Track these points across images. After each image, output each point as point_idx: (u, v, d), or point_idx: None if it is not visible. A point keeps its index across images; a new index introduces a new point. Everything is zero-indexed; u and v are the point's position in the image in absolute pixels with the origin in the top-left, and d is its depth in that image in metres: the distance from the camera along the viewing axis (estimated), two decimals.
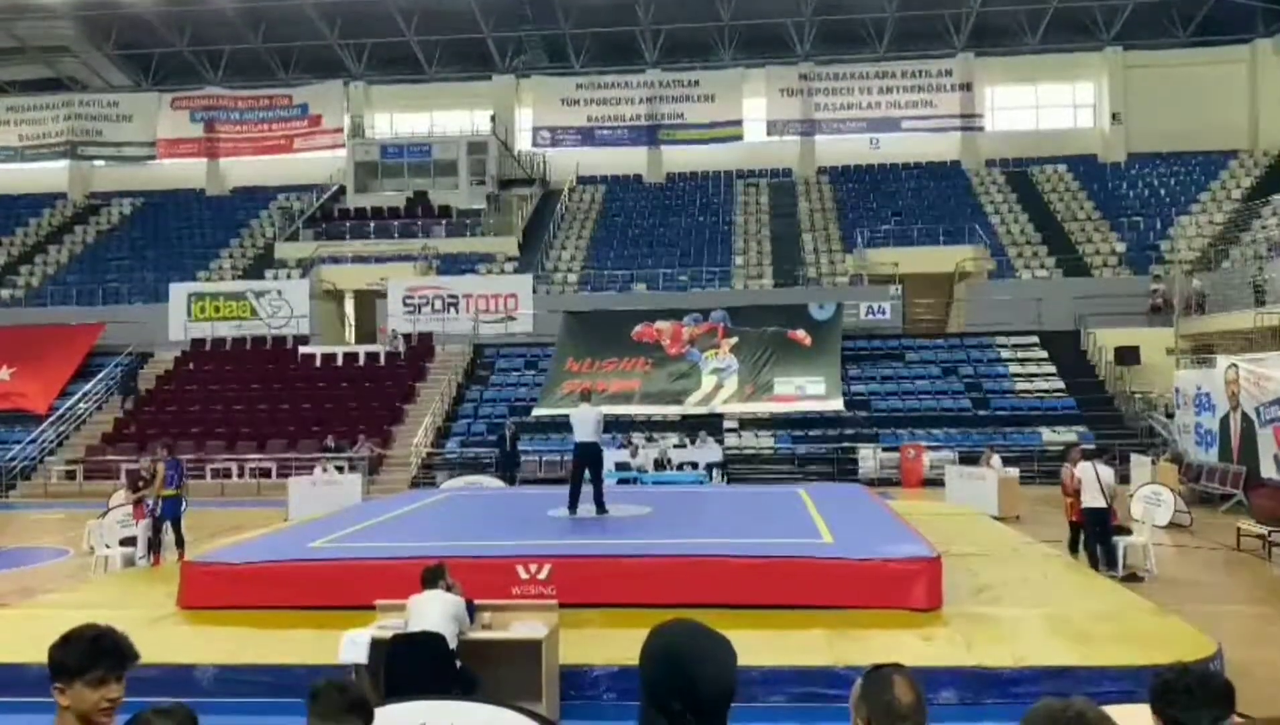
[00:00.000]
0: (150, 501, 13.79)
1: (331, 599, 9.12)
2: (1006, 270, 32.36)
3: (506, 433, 23.19)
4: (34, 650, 3.59)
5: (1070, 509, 13.63)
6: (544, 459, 25.18)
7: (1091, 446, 23.20)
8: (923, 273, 32.27)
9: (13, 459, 26.92)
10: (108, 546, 13.57)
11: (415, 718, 4.67)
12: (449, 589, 7.14)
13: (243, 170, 42.95)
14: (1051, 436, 24.99)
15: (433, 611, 6.89)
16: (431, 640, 6.76)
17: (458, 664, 6.81)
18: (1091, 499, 12.59)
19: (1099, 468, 12.81)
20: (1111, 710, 4.58)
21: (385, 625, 7.18)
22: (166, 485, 13.65)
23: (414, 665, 6.62)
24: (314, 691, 3.00)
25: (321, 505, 17.25)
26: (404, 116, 42.44)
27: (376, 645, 6.95)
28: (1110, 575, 11.90)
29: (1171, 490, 17.63)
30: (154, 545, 13.53)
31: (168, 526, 13.75)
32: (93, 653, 2.68)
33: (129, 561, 13.42)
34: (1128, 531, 13.27)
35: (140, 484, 14.41)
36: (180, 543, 13.65)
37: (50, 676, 2.70)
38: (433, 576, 7.17)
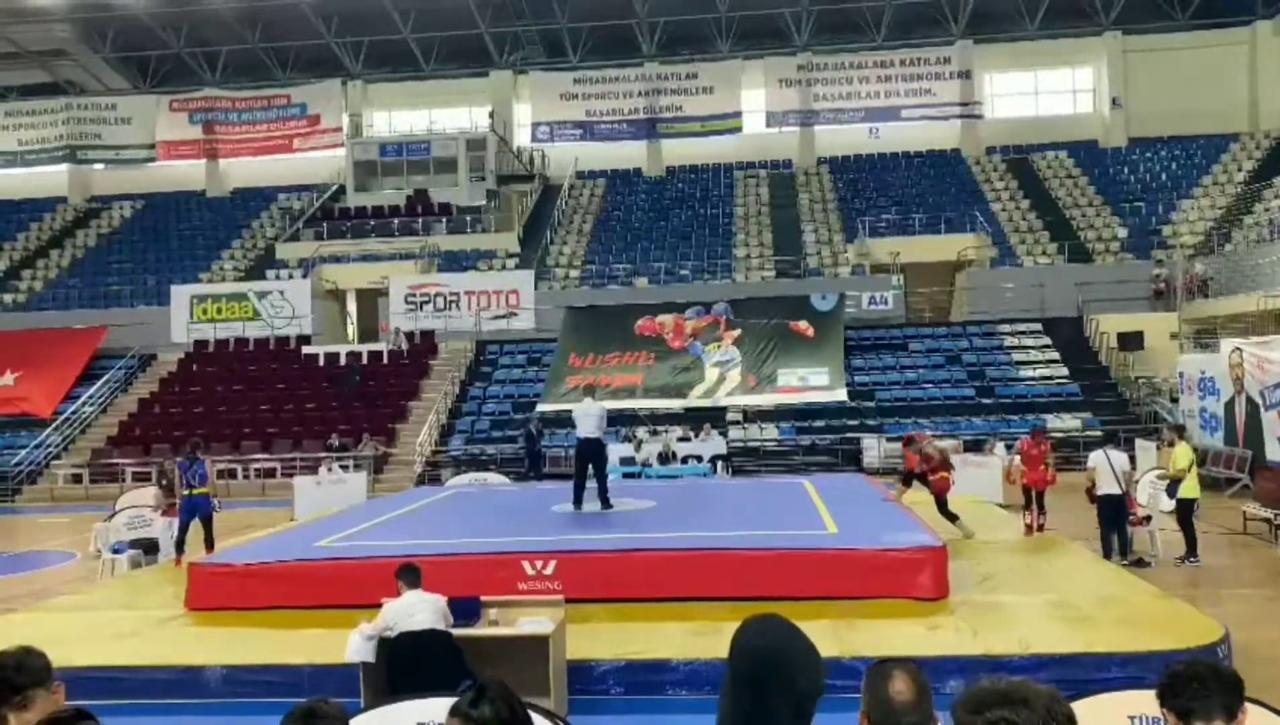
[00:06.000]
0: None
1: (338, 598, 9.14)
2: (1008, 257, 32.29)
3: (532, 429, 23.21)
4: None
5: (1019, 476, 13.73)
6: (566, 452, 25.12)
7: (1097, 433, 23.26)
8: (924, 262, 32.20)
9: (18, 463, 26.99)
10: (115, 550, 13.59)
11: (422, 715, 4.68)
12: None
13: (242, 171, 42.95)
14: (1056, 423, 24.92)
15: (421, 612, 6.89)
16: (437, 638, 6.77)
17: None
18: (1106, 486, 12.50)
19: (1111, 454, 12.79)
20: (1118, 696, 4.59)
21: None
22: (187, 485, 13.58)
23: (420, 663, 6.63)
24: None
25: (327, 504, 17.28)
26: (402, 114, 42.41)
27: (383, 643, 6.96)
28: (1120, 563, 11.88)
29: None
30: (179, 545, 13.41)
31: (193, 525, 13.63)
32: None
33: (136, 563, 13.44)
34: (1147, 520, 13.27)
35: (164, 484, 14.37)
36: (209, 542, 13.43)
37: None
38: (415, 575, 7.14)
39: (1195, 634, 7.76)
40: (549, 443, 24.92)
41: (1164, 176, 36.34)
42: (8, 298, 36.05)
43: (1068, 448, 22.36)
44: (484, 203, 38.00)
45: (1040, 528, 13.06)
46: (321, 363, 30.93)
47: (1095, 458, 12.79)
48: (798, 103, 40.18)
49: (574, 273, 34.11)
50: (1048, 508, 13.38)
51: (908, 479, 13.29)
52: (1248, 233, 30.34)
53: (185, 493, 13.59)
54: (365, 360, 30.99)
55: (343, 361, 30.99)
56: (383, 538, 11.19)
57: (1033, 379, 27.40)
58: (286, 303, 32.79)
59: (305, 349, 31.46)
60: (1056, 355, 28.18)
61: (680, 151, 41.00)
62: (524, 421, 24.66)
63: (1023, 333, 29.33)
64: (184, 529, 13.48)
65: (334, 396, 29.32)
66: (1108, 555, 12.24)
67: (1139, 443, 20.79)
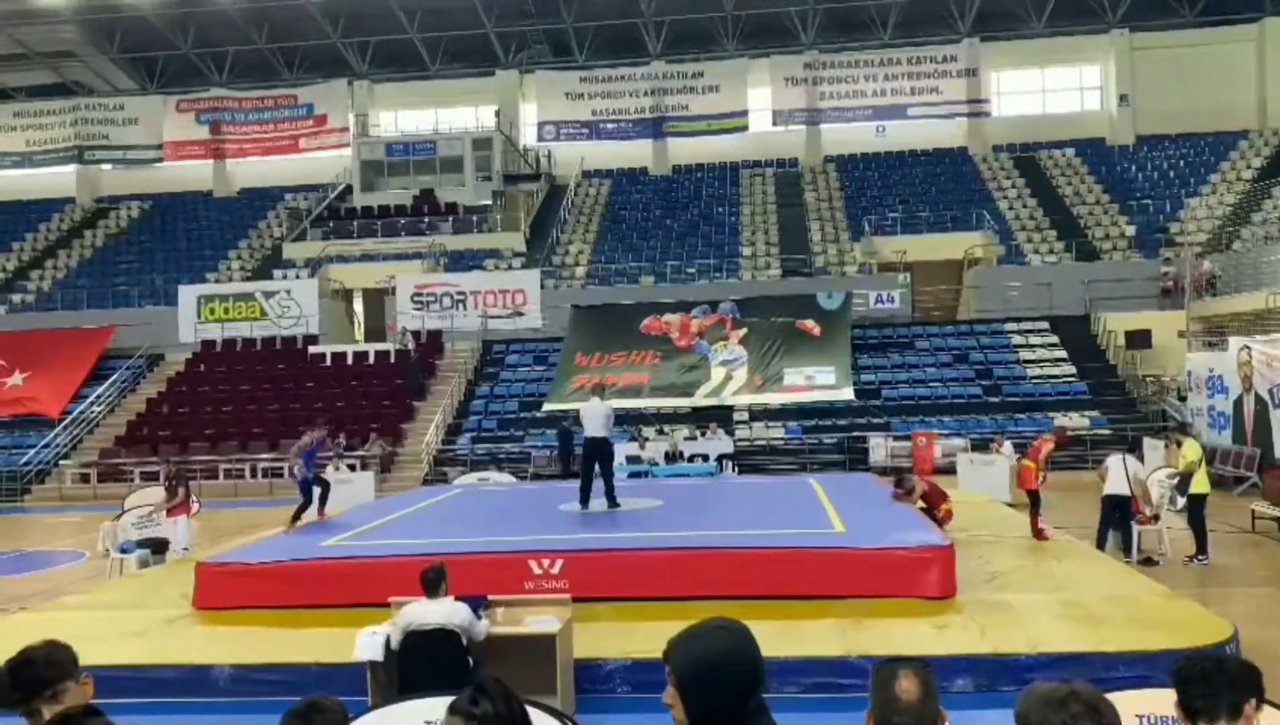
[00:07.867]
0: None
1: (346, 597, 9.14)
2: (1015, 256, 32.23)
3: (568, 426, 23.20)
4: None
5: (1024, 477, 13.21)
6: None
7: (1105, 432, 23.20)
8: (931, 260, 32.16)
9: (27, 463, 27.08)
10: (123, 550, 13.62)
11: (430, 714, 4.68)
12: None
13: (249, 171, 43.05)
14: (1063, 422, 24.85)
15: (435, 617, 6.83)
16: (446, 638, 6.77)
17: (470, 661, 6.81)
18: (1115, 487, 12.52)
19: (1127, 459, 12.86)
20: (1127, 695, 4.57)
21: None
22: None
23: (428, 662, 6.63)
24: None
25: (334, 504, 17.26)
26: (409, 114, 42.49)
27: (390, 642, 6.96)
28: (1128, 562, 11.86)
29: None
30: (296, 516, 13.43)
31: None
32: None
33: (144, 563, 13.48)
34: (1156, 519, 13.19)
35: (171, 486, 14.50)
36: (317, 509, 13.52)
37: None
38: (436, 579, 6.97)
39: (1204, 633, 7.73)
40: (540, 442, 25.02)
41: (1172, 174, 36.22)
42: (16, 298, 36.18)
43: (1077, 446, 22.30)
44: (490, 202, 38.03)
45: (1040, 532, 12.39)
46: (328, 362, 30.98)
47: (1111, 460, 12.88)
48: (804, 101, 40.14)
49: (580, 272, 34.12)
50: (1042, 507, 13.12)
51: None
52: (1256, 230, 30.24)
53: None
54: (372, 360, 31.05)
55: (349, 361, 31.09)
56: (390, 537, 11.20)
57: (1040, 378, 27.33)
58: (293, 302, 32.84)
59: (312, 349, 31.51)
60: (1064, 354, 28.11)
61: (686, 150, 40.99)
62: (559, 420, 24.63)
63: (1030, 331, 29.27)
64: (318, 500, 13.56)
65: (339, 396, 29.35)
66: (1100, 547, 12.27)
67: (1146, 441, 20.73)
